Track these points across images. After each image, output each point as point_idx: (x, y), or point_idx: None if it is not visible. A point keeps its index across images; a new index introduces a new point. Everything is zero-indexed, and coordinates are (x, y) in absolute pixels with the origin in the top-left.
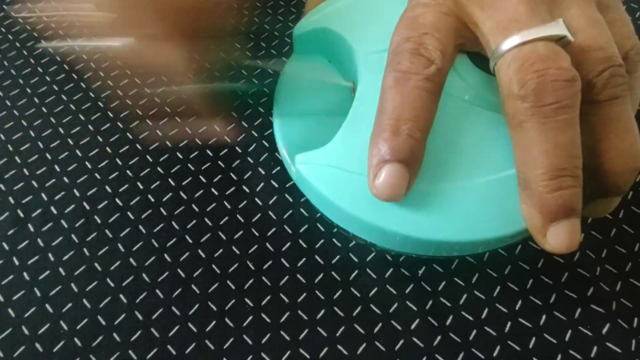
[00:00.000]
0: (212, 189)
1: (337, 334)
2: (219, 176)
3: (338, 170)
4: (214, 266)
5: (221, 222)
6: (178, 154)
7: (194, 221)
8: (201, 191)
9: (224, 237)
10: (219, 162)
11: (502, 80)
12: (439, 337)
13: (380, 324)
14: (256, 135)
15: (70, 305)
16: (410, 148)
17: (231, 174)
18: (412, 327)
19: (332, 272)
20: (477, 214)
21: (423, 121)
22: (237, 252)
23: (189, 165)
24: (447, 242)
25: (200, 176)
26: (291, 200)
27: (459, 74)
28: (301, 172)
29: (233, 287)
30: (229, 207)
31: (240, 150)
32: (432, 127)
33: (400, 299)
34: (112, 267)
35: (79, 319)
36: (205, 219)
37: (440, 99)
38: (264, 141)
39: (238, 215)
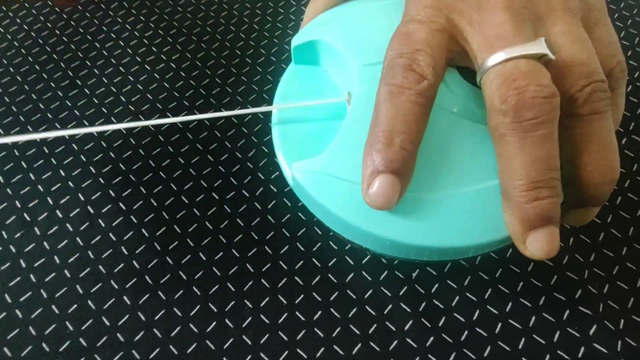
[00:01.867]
0: (213, 193)
1: (334, 335)
2: (220, 181)
3: (332, 178)
4: (214, 268)
5: (221, 226)
6: (180, 159)
7: (195, 225)
8: (202, 195)
9: (224, 240)
10: (220, 167)
11: (486, 95)
12: (431, 338)
13: (375, 325)
14: (255, 141)
15: (75, 306)
16: (403, 159)
17: (231, 178)
18: (406, 328)
19: (329, 275)
20: (466, 221)
21: (415, 133)
22: (237, 255)
23: (191, 170)
24: (438, 248)
25: (201, 181)
26: (289, 204)
27: (448, 87)
28: (297, 179)
29: (233, 289)
30: (229, 211)
31: (240, 156)
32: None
33: (395, 301)
34: (115, 270)
35: (84, 319)
36: (206, 223)
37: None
38: (263, 147)
39: (238, 219)
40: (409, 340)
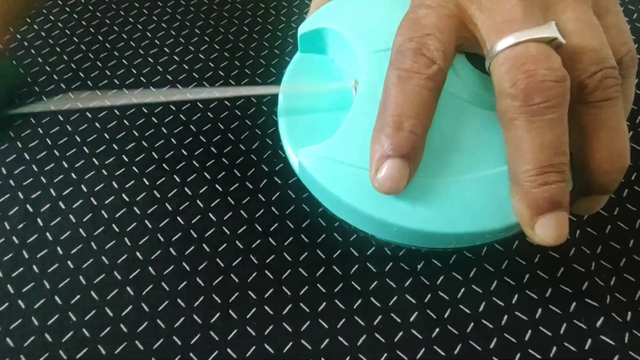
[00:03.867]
0: (217, 185)
1: (338, 326)
2: (223, 172)
3: (340, 163)
4: (218, 260)
5: (225, 218)
6: (183, 151)
7: (199, 216)
8: (205, 187)
9: (228, 232)
10: (223, 159)
11: (495, 79)
12: (437, 330)
13: (380, 317)
14: (260, 133)
15: (78, 297)
16: (412, 144)
17: (235, 170)
18: (411, 319)
19: (333, 266)
20: (473, 207)
21: (424, 118)
22: (241, 247)
23: (194, 162)
24: (445, 234)
25: (205, 173)
26: (293, 196)
27: (457, 73)
28: (304, 165)
29: (237, 280)
30: (232, 202)
31: (244, 148)
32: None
33: (400, 292)
34: (119, 261)
35: (87, 310)
36: (210, 214)
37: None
38: (267, 139)
39: (242, 211)
40: (414, 331)
